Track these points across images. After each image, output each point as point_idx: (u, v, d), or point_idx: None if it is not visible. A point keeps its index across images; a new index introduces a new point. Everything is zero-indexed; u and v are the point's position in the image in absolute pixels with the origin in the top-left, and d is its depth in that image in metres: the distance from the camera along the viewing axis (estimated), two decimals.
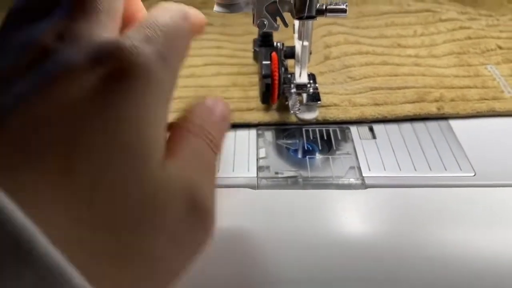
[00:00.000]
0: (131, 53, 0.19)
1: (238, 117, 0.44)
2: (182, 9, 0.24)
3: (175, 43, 0.22)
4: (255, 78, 0.49)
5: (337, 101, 0.45)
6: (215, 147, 0.24)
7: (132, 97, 0.19)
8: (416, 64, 0.50)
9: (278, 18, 0.37)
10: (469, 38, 0.53)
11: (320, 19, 0.39)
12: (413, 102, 0.45)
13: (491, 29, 0.55)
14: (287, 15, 0.38)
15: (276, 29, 0.38)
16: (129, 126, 0.19)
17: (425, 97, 0.45)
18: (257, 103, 0.45)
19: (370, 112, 0.44)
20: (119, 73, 0.19)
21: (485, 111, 0.44)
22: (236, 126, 0.43)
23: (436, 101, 0.45)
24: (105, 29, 0.21)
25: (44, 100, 0.18)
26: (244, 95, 0.47)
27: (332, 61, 0.50)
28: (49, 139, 0.18)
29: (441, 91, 0.46)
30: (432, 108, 0.44)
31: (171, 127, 0.23)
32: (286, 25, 0.38)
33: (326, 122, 0.44)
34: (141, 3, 0.26)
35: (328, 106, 0.44)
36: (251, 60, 0.52)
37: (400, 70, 0.49)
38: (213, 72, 0.50)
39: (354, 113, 0.44)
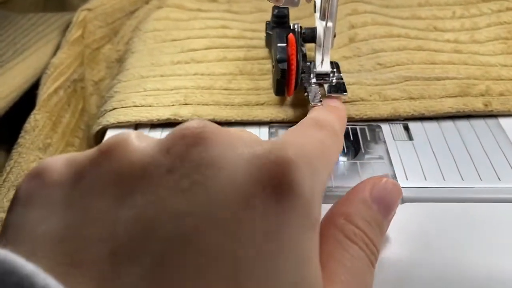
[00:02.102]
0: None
1: (246, 114, 0.36)
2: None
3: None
4: (267, 65, 0.41)
5: (364, 95, 0.37)
6: (375, 261, 0.21)
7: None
8: (456, 51, 0.42)
9: None
10: None
11: None
12: (455, 96, 0.37)
13: None
14: None
15: (296, 4, 0.31)
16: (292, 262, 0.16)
17: (468, 90, 0.38)
18: (269, 96, 0.38)
19: (404, 108, 0.36)
20: (281, 194, 0.16)
21: None
22: (243, 123, 0.36)
23: (482, 95, 0.38)
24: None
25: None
26: (254, 85, 0.39)
27: (358, 44, 0.43)
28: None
29: (487, 83, 0.38)
30: (478, 104, 0.37)
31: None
32: None
33: (351, 120, 0.36)
34: None
35: (354, 101, 0.37)
36: (262, 42, 0.44)
37: (439, 58, 0.41)
38: (217, 57, 0.42)
39: (385, 110, 0.36)
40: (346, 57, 0.41)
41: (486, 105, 0.37)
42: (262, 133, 0.36)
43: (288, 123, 0.36)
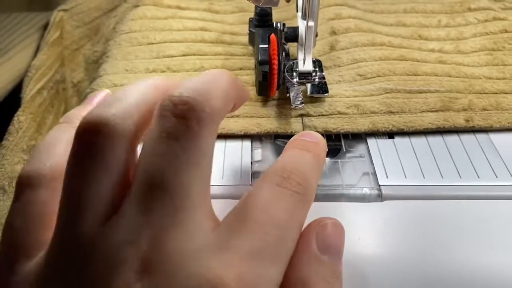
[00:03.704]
0: None
1: (219, 127, 0.35)
2: None
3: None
4: (244, 76, 0.40)
5: (341, 108, 0.36)
6: None
7: None
8: (440, 61, 0.41)
9: None
10: (505, 31, 0.44)
11: None
12: (436, 111, 0.37)
13: None
14: None
15: (275, 4, 0.31)
16: None
17: (450, 105, 0.37)
18: (244, 107, 0.37)
19: (383, 123, 0.36)
20: None
21: None
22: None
23: (464, 110, 0.37)
24: (195, 240, 0.17)
25: None
26: None
27: (339, 53, 0.42)
28: None
29: (470, 98, 0.37)
30: (459, 120, 0.36)
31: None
32: None
33: (328, 134, 0.35)
34: None
35: (331, 114, 0.36)
36: (240, 48, 0.43)
37: (421, 68, 0.40)
38: (194, 67, 0.41)
39: (363, 124, 0.35)
40: (326, 67, 0.40)
41: (467, 120, 0.36)
42: (244, 147, 0.35)
43: (263, 136, 0.36)
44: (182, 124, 0.18)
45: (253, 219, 0.18)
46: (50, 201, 0.20)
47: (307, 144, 0.24)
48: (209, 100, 0.19)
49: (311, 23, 0.34)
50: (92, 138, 0.18)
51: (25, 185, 0.21)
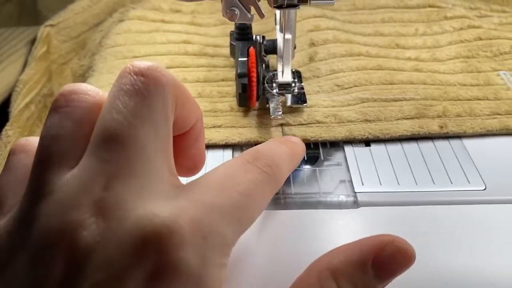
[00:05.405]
0: (175, 248, 0.17)
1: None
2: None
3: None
4: (226, 87, 0.41)
5: (320, 117, 0.37)
6: None
7: None
8: (417, 69, 0.43)
9: (252, 8, 0.31)
10: (479, 38, 0.45)
11: (306, 10, 0.32)
12: (411, 118, 0.38)
13: (505, 27, 0.47)
14: (264, 3, 0.32)
15: (250, 20, 0.32)
16: None
17: (425, 112, 0.38)
18: (226, 117, 0.38)
19: (360, 130, 0.37)
20: (162, 271, 0.16)
21: (498, 128, 0.37)
22: None
23: (439, 116, 0.38)
24: (143, 194, 0.18)
25: None
26: (212, 107, 0.39)
27: (318, 63, 0.43)
28: None
29: (444, 104, 0.39)
30: (433, 126, 0.37)
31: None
32: (261, 15, 0.32)
33: (307, 142, 0.36)
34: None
35: (310, 123, 0.37)
36: (222, 60, 0.44)
37: (398, 77, 0.41)
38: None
39: (340, 132, 0.36)
40: (305, 78, 0.41)
41: (441, 127, 0.37)
42: (226, 156, 0.36)
43: (245, 145, 0.37)
44: (138, 81, 0.19)
45: (218, 182, 0.19)
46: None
47: (286, 140, 0.25)
48: (164, 70, 0.20)
49: (288, 36, 0.35)
50: (65, 101, 0.20)
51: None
